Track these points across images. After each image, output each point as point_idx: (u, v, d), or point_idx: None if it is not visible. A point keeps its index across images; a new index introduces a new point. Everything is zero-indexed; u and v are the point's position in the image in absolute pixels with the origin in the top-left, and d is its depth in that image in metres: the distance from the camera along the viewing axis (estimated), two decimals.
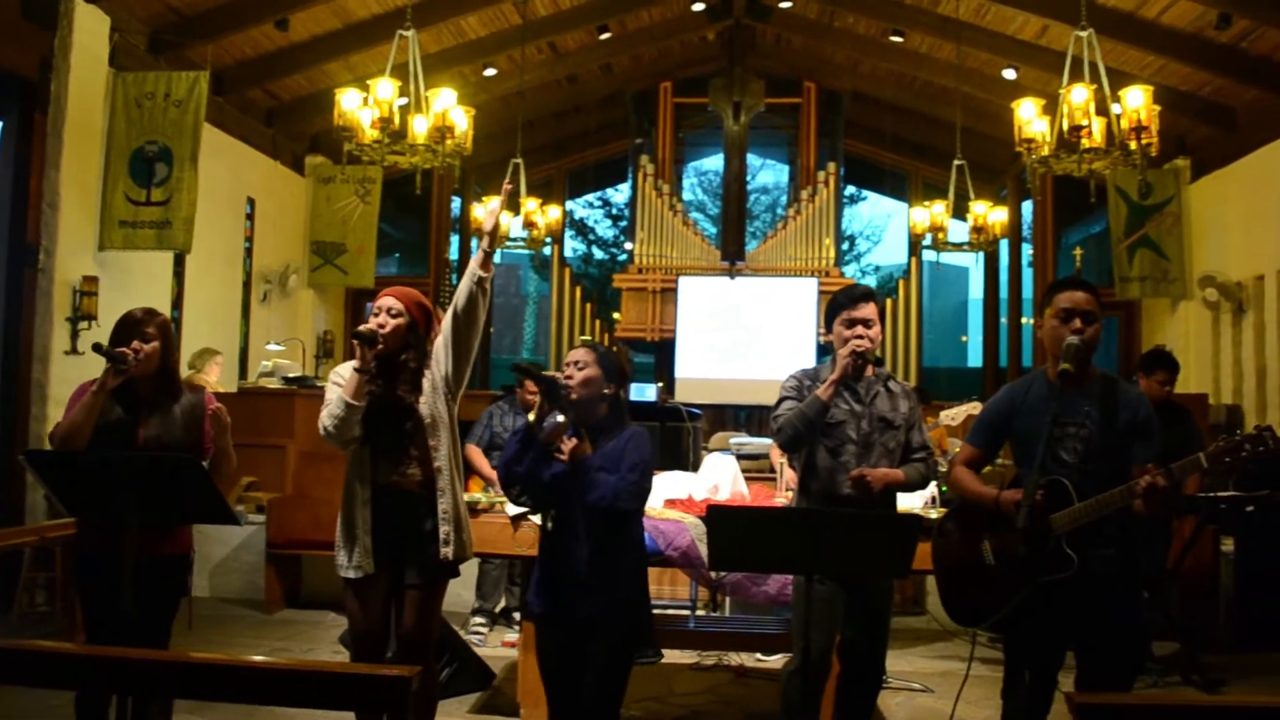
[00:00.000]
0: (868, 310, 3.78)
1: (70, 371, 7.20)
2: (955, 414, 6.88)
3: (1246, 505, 5.70)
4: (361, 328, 3.61)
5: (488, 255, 3.63)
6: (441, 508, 3.59)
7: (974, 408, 7.02)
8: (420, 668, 2.63)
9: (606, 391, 3.51)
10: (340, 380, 3.62)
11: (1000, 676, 3.58)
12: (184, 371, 8.58)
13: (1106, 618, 3.28)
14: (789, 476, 5.59)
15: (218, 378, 8.48)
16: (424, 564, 3.59)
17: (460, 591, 6.52)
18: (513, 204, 10.71)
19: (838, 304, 3.86)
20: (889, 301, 12.88)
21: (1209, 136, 10.02)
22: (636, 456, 3.43)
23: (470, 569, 6.28)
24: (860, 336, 3.72)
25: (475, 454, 6.45)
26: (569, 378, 3.46)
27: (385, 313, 3.64)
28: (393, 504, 3.60)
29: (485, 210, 3.67)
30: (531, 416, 3.45)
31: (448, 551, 3.57)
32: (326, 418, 3.56)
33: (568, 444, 3.37)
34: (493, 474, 6.30)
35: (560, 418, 3.40)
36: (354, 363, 3.62)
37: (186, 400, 3.70)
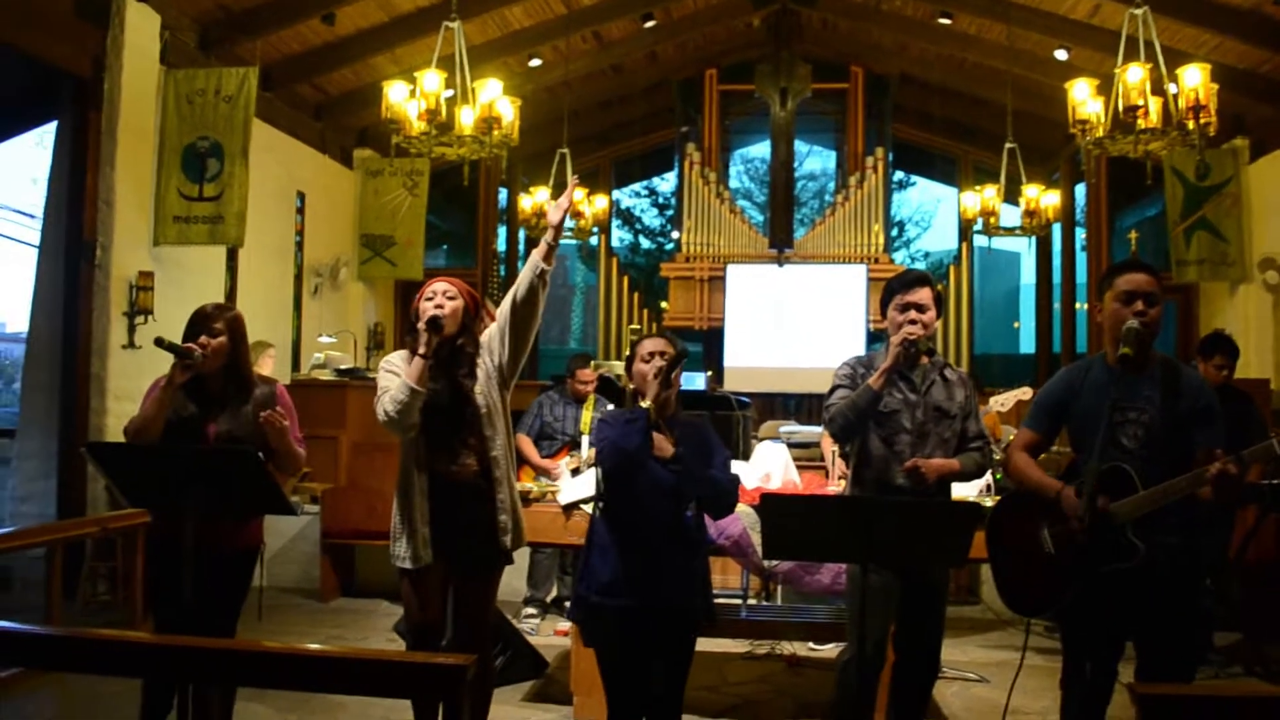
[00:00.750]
0: (921, 295, 3.72)
1: (128, 365, 7.33)
2: (1005, 399, 6.78)
3: None
4: (431, 312, 3.59)
5: (551, 248, 3.63)
6: (499, 497, 3.62)
7: (1024, 393, 6.90)
8: (476, 656, 2.63)
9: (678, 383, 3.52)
10: (393, 368, 3.63)
11: (1057, 666, 3.52)
12: None
13: (1168, 608, 3.22)
14: (840, 465, 5.55)
15: (271, 370, 8.57)
16: (481, 553, 3.61)
17: (512, 581, 6.55)
18: (560, 194, 10.69)
19: (891, 288, 3.82)
20: (939, 287, 12.72)
21: (1268, 115, 9.78)
22: (724, 452, 3.50)
23: (522, 558, 6.32)
24: (913, 322, 3.67)
25: (525, 443, 6.48)
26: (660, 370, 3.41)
27: (441, 295, 3.66)
28: (451, 494, 3.61)
29: (553, 205, 3.67)
30: (647, 404, 3.36)
31: (507, 540, 3.61)
32: (389, 403, 3.53)
33: (662, 441, 3.35)
34: (543, 463, 6.33)
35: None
36: (404, 352, 3.63)
37: (259, 394, 3.72)
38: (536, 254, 3.62)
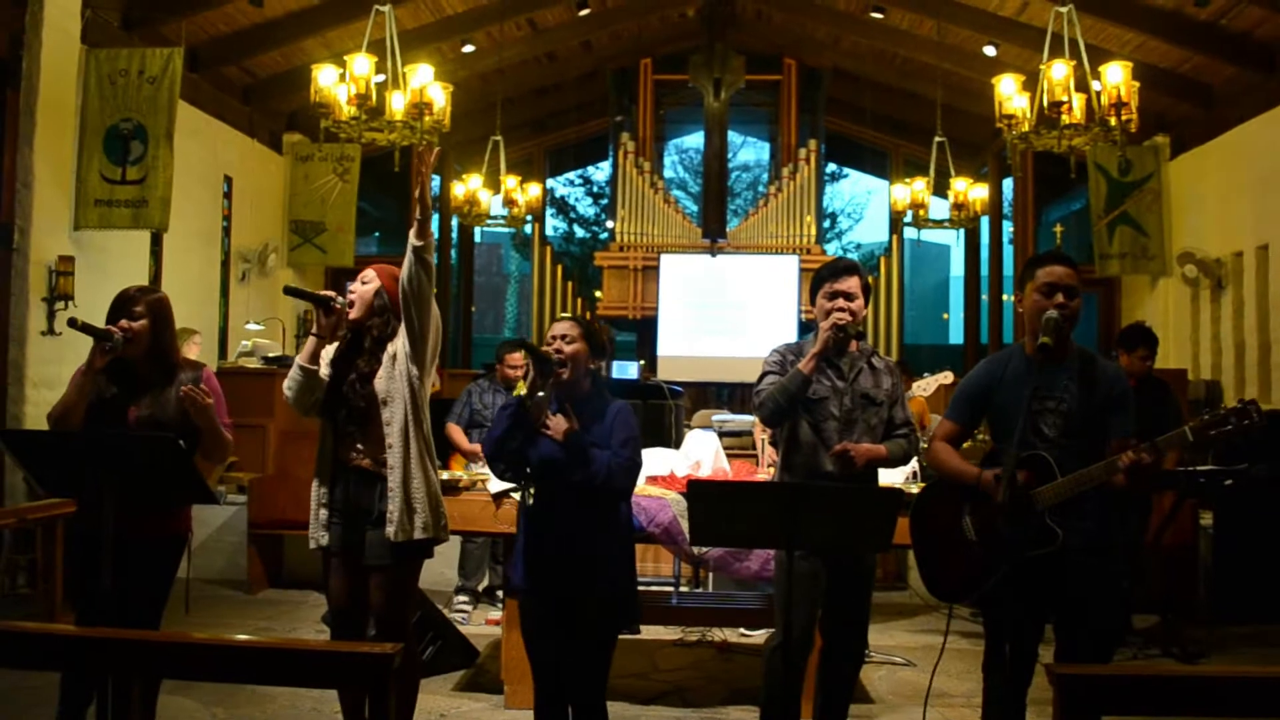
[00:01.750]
0: (850, 283, 3.76)
1: (48, 352, 7.15)
2: (928, 384, 6.91)
3: (1225, 479, 5.75)
4: (322, 292, 3.61)
5: (421, 224, 3.52)
6: (389, 485, 3.52)
7: (945, 378, 7.04)
8: (402, 645, 2.61)
9: (591, 366, 3.51)
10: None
11: (981, 649, 3.60)
12: None
13: (1086, 590, 3.29)
14: (770, 453, 5.60)
15: (196, 357, 8.42)
16: (378, 543, 3.53)
17: (443, 570, 6.53)
18: (493, 182, 10.65)
19: (820, 277, 3.83)
20: (870, 279, 12.87)
21: (1188, 114, 10.06)
22: (627, 432, 3.44)
23: (452, 547, 6.28)
24: (841, 309, 3.71)
25: (456, 432, 6.44)
26: (558, 351, 3.43)
27: (358, 282, 3.63)
28: (349, 481, 3.58)
29: (422, 163, 3.61)
30: (521, 391, 3.39)
31: (391, 532, 3.49)
32: (286, 383, 3.60)
33: (555, 420, 3.35)
34: (474, 450, 6.29)
35: (540, 393, 3.38)
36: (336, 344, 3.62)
37: (184, 379, 3.65)
38: (411, 234, 3.53)
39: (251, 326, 9.76)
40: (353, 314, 3.58)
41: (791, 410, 3.70)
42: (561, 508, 3.40)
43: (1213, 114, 9.67)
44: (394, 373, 3.58)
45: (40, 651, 2.74)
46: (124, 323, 3.53)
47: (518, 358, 6.54)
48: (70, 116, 7.62)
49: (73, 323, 3.55)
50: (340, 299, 3.60)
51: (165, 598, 3.71)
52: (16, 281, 7.13)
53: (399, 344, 3.61)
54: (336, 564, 3.61)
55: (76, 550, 3.64)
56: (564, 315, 3.74)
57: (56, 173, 7.46)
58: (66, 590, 3.69)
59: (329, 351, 3.67)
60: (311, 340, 3.56)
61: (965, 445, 3.74)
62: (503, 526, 4.60)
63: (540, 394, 3.38)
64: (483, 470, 5.31)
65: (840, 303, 3.72)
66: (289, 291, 3.74)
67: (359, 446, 3.58)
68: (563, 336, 3.46)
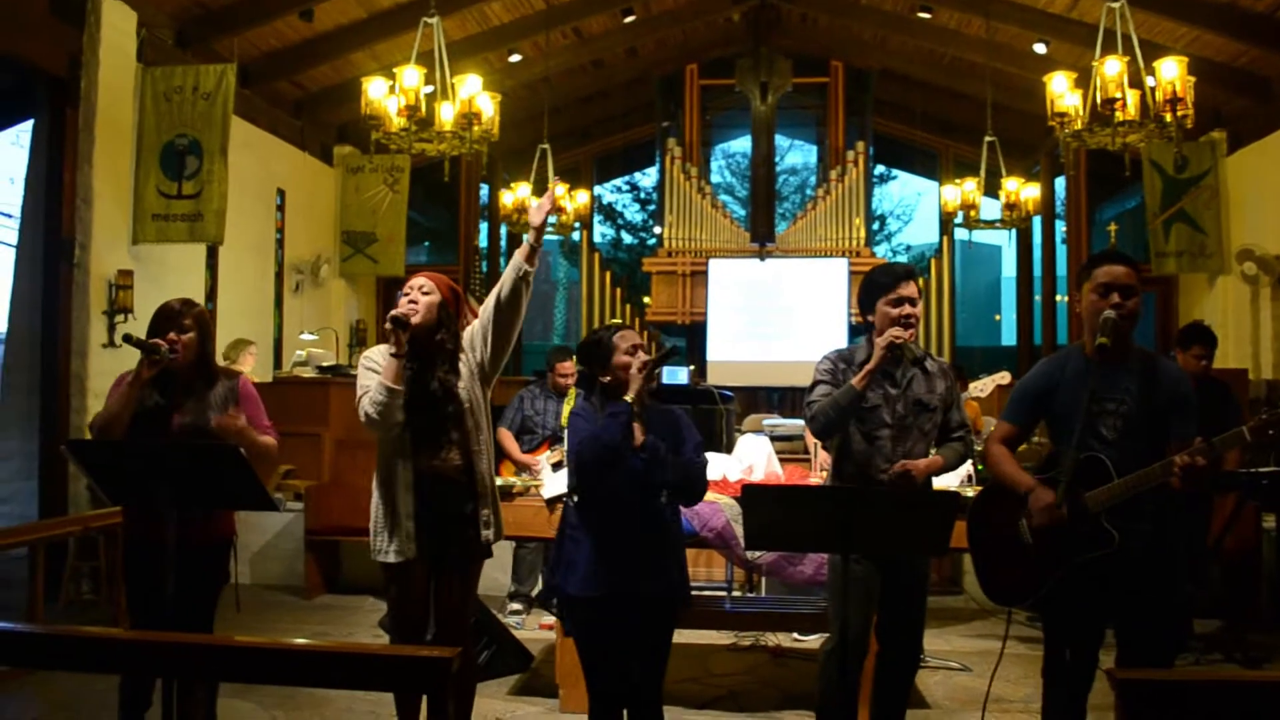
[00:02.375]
0: (912, 289, 3.70)
1: (108, 364, 7.29)
2: (984, 385, 6.81)
3: None
4: (394, 311, 3.61)
5: (534, 249, 3.62)
6: (480, 491, 3.65)
7: (1002, 378, 6.95)
8: (460, 649, 2.64)
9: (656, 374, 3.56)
10: (372, 364, 3.64)
11: (1039, 654, 3.55)
12: (219, 362, 8.67)
13: (1145, 594, 3.25)
14: (823, 457, 5.57)
15: (252, 368, 8.54)
16: (463, 547, 3.63)
17: (496, 576, 6.57)
18: (541, 189, 10.70)
19: (878, 284, 3.74)
20: (921, 281, 12.77)
21: (1245, 108, 9.86)
22: (695, 438, 3.52)
23: (505, 553, 6.32)
24: (908, 316, 3.65)
25: (508, 438, 6.49)
26: (645, 365, 3.45)
27: (417, 290, 3.66)
28: (434, 488, 3.61)
29: (535, 205, 3.67)
30: (630, 398, 3.38)
31: (489, 534, 3.65)
32: (369, 404, 3.54)
33: (637, 428, 3.37)
34: (524, 458, 6.34)
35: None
36: (385, 347, 3.63)
37: (223, 386, 3.75)
38: (519, 255, 3.61)
39: (305, 336, 9.89)
40: (417, 319, 3.61)
41: (843, 424, 3.67)
42: (623, 511, 3.41)
43: (1271, 108, 9.47)
44: (474, 383, 3.68)
45: (104, 655, 2.80)
46: (172, 335, 3.64)
47: (568, 365, 6.58)
48: (128, 133, 7.78)
49: (128, 338, 3.66)
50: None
51: (215, 601, 3.80)
52: (78, 295, 7.28)
53: (470, 356, 3.70)
54: (410, 571, 3.63)
55: (129, 557, 3.72)
56: (616, 322, 3.78)
57: (115, 189, 7.62)
58: (129, 598, 3.75)
59: (374, 356, 3.69)
60: (394, 360, 3.54)
61: (1021, 448, 3.70)
62: (555, 532, 4.62)
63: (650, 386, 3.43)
64: (534, 478, 5.35)
65: (906, 309, 3.65)
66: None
67: (444, 455, 3.63)
68: (636, 346, 3.49)
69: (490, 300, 3.70)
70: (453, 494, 3.63)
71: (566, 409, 6.48)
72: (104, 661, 2.85)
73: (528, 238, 3.67)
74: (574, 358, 6.61)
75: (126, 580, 3.77)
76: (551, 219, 11.10)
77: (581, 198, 11.61)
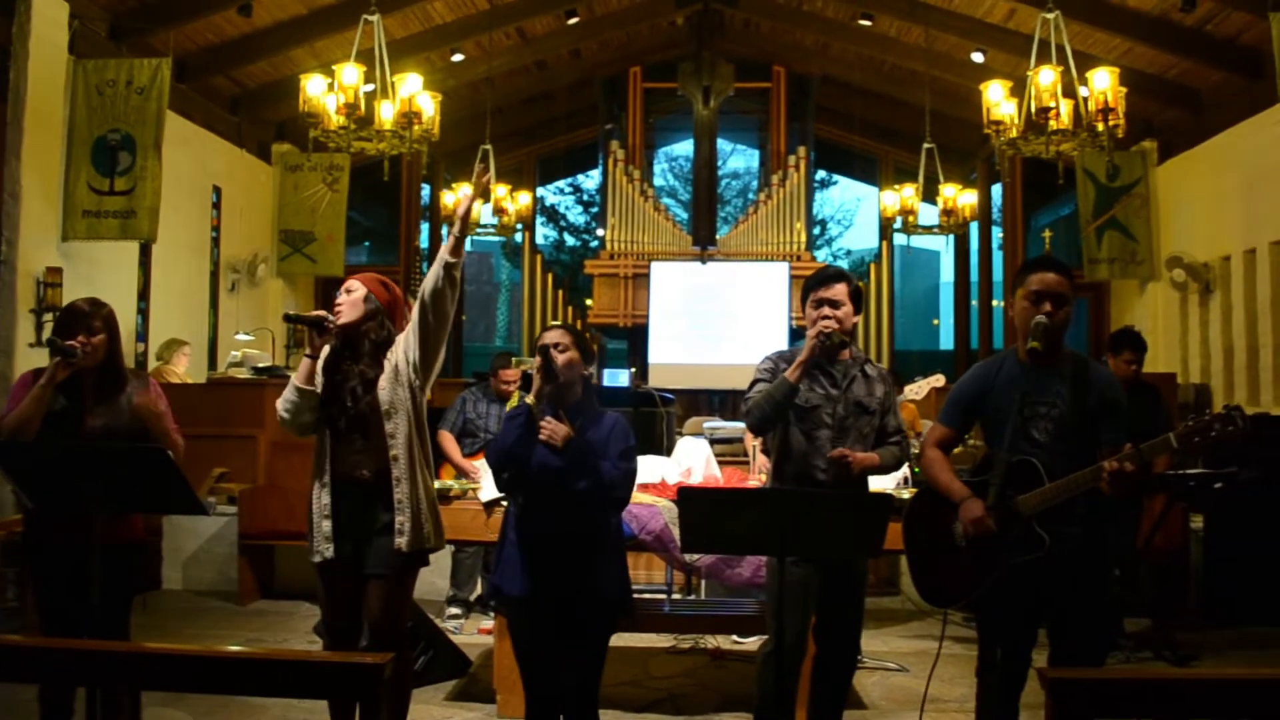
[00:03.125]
0: (836, 291, 3.75)
1: (36, 363, 7.04)
2: (919, 388, 6.92)
3: (1215, 483, 5.75)
4: (312, 313, 3.60)
5: (458, 241, 3.54)
6: (396, 497, 3.52)
7: (937, 381, 7.06)
8: (392, 655, 2.60)
9: (583, 373, 3.53)
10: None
11: (974, 654, 3.59)
12: (151, 363, 8.53)
13: (1076, 595, 3.30)
14: (761, 460, 5.60)
15: (185, 368, 8.41)
16: (383, 553, 3.53)
17: (435, 580, 6.50)
18: (483, 191, 10.64)
19: (808, 285, 3.84)
20: (860, 284, 12.88)
21: (1175, 119, 10.10)
22: (625, 443, 3.47)
23: (443, 557, 6.26)
24: (827, 317, 3.71)
25: (449, 441, 6.42)
26: (548, 360, 3.43)
27: (343, 293, 3.62)
28: (350, 492, 3.55)
29: (457, 196, 3.63)
30: (530, 399, 3.39)
31: (402, 542, 3.50)
32: (280, 403, 3.55)
33: (552, 425, 3.35)
34: (464, 462, 6.28)
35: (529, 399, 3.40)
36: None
37: (133, 388, 3.71)
38: (444, 248, 3.54)
39: (241, 337, 9.74)
40: (342, 319, 3.56)
41: (778, 418, 3.70)
42: (553, 514, 3.40)
43: (1200, 119, 9.71)
44: (397, 383, 3.56)
45: (19, 664, 2.72)
46: (83, 337, 3.57)
47: (512, 373, 6.54)
48: (58, 127, 7.61)
49: (50, 343, 3.59)
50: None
51: (129, 605, 3.73)
52: (4, 293, 7.10)
53: (399, 353, 3.59)
54: (337, 575, 3.59)
55: (37, 561, 3.63)
56: (554, 324, 3.74)
57: (44, 184, 7.44)
58: (39, 604, 3.67)
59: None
60: (306, 361, 3.54)
61: (956, 450, 3.74)
62: (493, 536, 4.58)
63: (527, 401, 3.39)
64: (473, 482, 5.31)
65: (826, 310, 3.72)
66: (289, 319, 3.73)
67: (360, 456, 3.56)
68: (556, 345, 3.45)
69: (418, 300, 3.62)
70: (367, 499, 3.55)
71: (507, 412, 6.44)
72: (19, 671, 2.77)
73: (451, 229, 3.61)
74: (515, 361, 6.60)
75: (36, 587, 3.68)
76: (494, 219, 11.08)
77: (524, 199, 11.56)
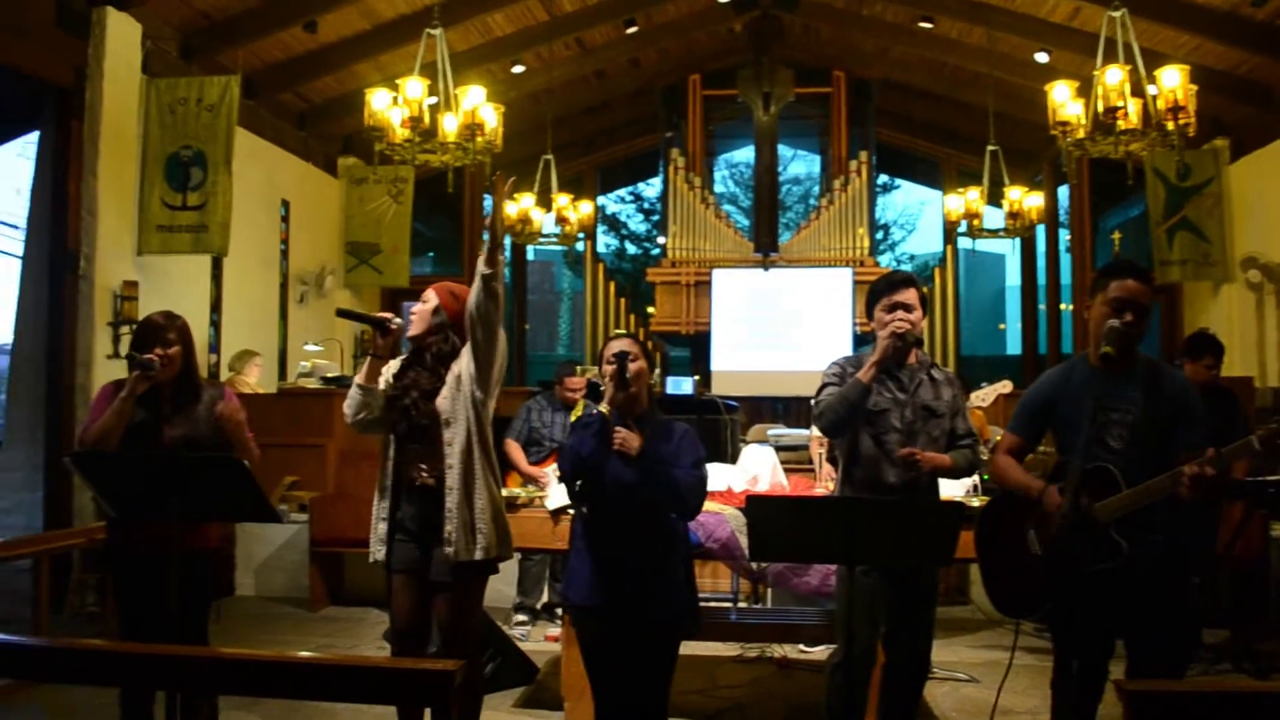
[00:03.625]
0: (908, 295, 3.74)
1: (114, 376, 7.25)
2: (986, 394, 6.81)
3: None
4: (377, 314, 3.71)
5: (491, 253, 3.54)
6: (447, 505, 3.56)
7: (1004, 387, 6.95)
8: (463, 662, 2.63)
9: (650, 382, 3.55)
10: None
11: (1047, 665, 3.53)
12: (224, 373, 8.70)
13: (1156, 605, 3.23)
14: (827, 469, 5.57)
15: (257, 379, 8.57)
16: (442, 562, 3.58)
17: (502, 587, 6.55)
18: (544, 200, 10.71)
19: (877, 290, 3.82)
20: (925, 290, 12.75)
21: (1247, 116, 9.86)
22: (696, 454, 3.47)
23: (510, 564, 6.30)
24: (901, 319, 3.68)
25: (515, 449, 6.47)
26: (614, 374, 3.44)
27: (421, 302, 3.71)
28: (410, 497, 3.64)
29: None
30: (604, 407, 3.42)
31: (451, 552, 3.54)
32: (345, 403, 3.67)
33: (626, 436, 3.36)
34: (531, 469, 6.33)
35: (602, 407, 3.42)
36: (397, 361, 3.68)
37: (209, 398, 3.79)
38: (479, 262, 3.56)
39: (310, 348, 9.90)
40: (411, 330, 3.66)
41: (851, 420, 3.67)
42: (624, 524, 3.41)
43: (1272, 116, 9.46)
44: (458, 393, 3.61)
45: (101, 668, 2.79)
46: (159, 350, 3.67)
47: (577, 381, 6.58)
48: (132, 145, 7.80)
49: (133, 358, 3.67)
50: (396, 319, 3.67)
51: (206, 611, 3.82)
52: (83, 307, 7.30)
53: (463, 365, 3.64)
54: (401, 581, 3.66)
55: (119, 568, 3.72)
56: (619, 332, 3.76)
57: (120, 200, 7.64)
58: (120, 610, 3.77)
59: (393, 367, 3.75)
60: (369, 360, 3.65)
61: (1029, 458, 3.68)
62: (561, 543, 4.60)
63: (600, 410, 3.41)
64: (540, 490, 5.34)
65: (899, 313, 3.69)
66: (342, 314, 3.83)
67: (422, 464, 3.62)
68: (627, 355, 3.46)
69: (465, 314, 3.64)
70: (425, 505, 3.61)
71: (573, 421, 6.47)
72: (101, 674, 2.84)
73: (484, 241, 3.63)
74: (580, 369, 6.63)
75: (116, 593, 3.77)
76: (555, 229, 11.13)
77: (585, 208, 11.61)
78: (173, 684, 2.95)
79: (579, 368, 6.99)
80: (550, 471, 6.04)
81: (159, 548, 3.28)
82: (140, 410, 3.67)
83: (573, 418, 6.53)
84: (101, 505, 3.54)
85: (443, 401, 3.60)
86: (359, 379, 3.63)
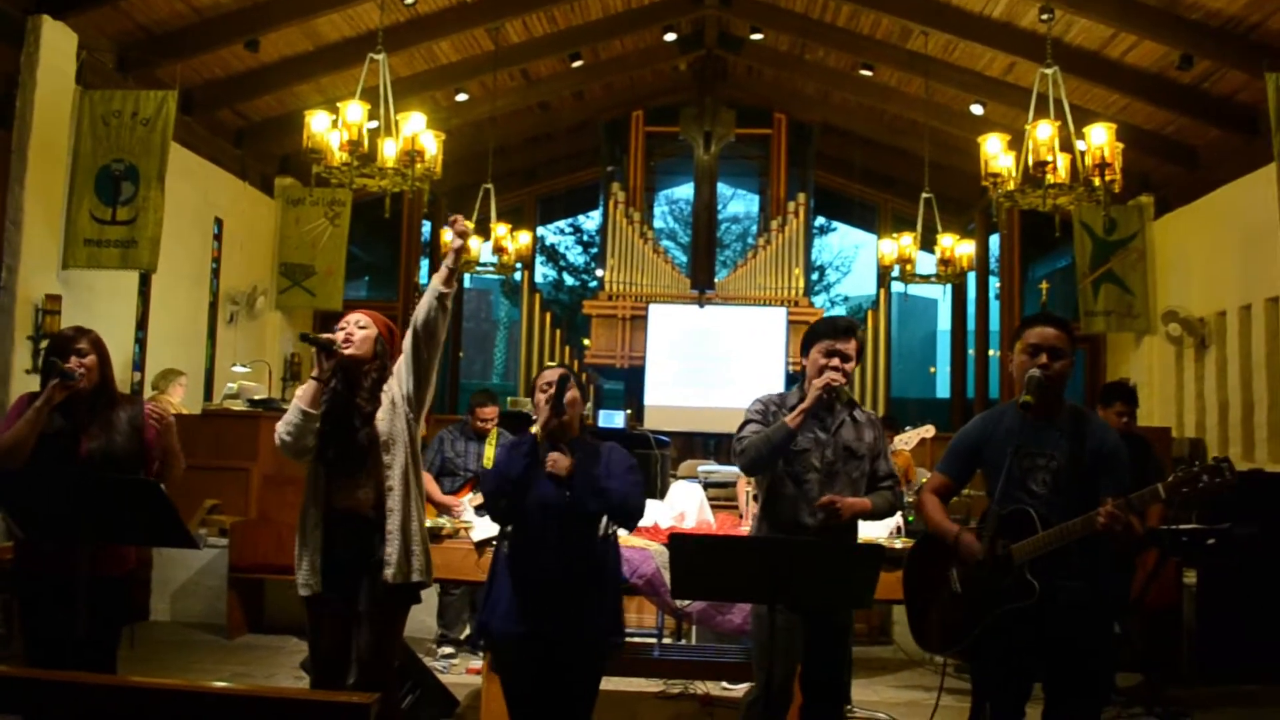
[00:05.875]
0: (850, 346, 3.79)
1: (32, 389, 7.10)
2: (909, 438, 6.94)
3: (1208, 538, 5.74)
4: (324, 334, 3.60)
5: (451, 272, 3.60)
6: (388, 527, 3.52)
7: (927, 431, 7.09)
8: (379, 695, 2.58)
9: (582, 411, 3.58)
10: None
11: (966, 706, 3.58)
12: (147, 392, 8.51)
13: (1073, 649, 3.28)
14: (754, 507, 5.59)
15: (181, 399, 8.39)
16: (375, 589, 3.52)
17: (424, 619, 6.47)
18: (482, 229, 10.69)
19: (819, 332, 3.86)
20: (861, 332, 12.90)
21: (1172, 174, 10.19)
22: (627, 463, 3.53)
23: (430, 596, 6.22)
24: (836, 369, 3.73)
25: (428, 480, 6.38)
26: (550, 397, 3.47)
27: (354, 325, 3.64)
28: (345, 527, 3.55)
29: (454, 230, 3.64)
30: (536, 430, 3.43)
31: (389, 573, 3.49)
32: (281, 426, 3.53)
33: (556, 458, 3.38)
34: (445, 499, 6.23)
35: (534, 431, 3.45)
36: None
37: (126, 411, 3.72)
38: (437, 278, 3.59)
39: (238, 369, 9.73)
40: (352, 350, 3.58)
41: (773, 460, 3.71)
42: (549, 546, 3.40)
43: (1196, 175, 9.79)
44: (394, 415, 3.58)
45: (12, 695, 2.70)
46: (75, 360, 3.61)
47: (490, 410, 6.55)
48: (62, 156, 7.65)
49: (52, 365, 3.60)
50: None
51: (118, 638, 3.72)
52: (3, 319, 7.12)
53: (395, 388, 3.62)
54: (325, 610, 3.57)
55: (26, 591, 3.62)
56: (551, 364, 3.78)
57: (46, 212, 7.47)
58: (25, 635, 3.65)
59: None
60: (313, 384, 3.54)
61: (954, 500, 3.74)
62: (482, 575, 4.56)
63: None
64: (464, 520, 5.29)
65: (836, 362, 3.73)
66: (305, 339, 3.71)
67: (356, 492, 3.56)
68: (567, 379, 3.53)
69: (409, 330, 3.64)
70: (363, 533, 3.54)
71: (489, 450, 6.41)
72: (4, 701, 2.74)
73: (445, 260, 3.64)
74: (495, 402, 6.61)
75: (23, 615, 3.66)
76: (493, 259, 11.11)
77: (524, 238, 11.60)
78: (79, 712, 2.86)
79: (512, 400, 6.96)
80: (465, 501, 5.98)
81: (69, 570, 3.19)
82: (57, 420, 3.58)
83: (487, 447, 6.47)
84: (10, 525, 3.43)
85: (381, 424, 3.56)
86: (303, 404, 3.50)
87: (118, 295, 8.40)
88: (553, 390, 3.48)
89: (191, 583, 7.36)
